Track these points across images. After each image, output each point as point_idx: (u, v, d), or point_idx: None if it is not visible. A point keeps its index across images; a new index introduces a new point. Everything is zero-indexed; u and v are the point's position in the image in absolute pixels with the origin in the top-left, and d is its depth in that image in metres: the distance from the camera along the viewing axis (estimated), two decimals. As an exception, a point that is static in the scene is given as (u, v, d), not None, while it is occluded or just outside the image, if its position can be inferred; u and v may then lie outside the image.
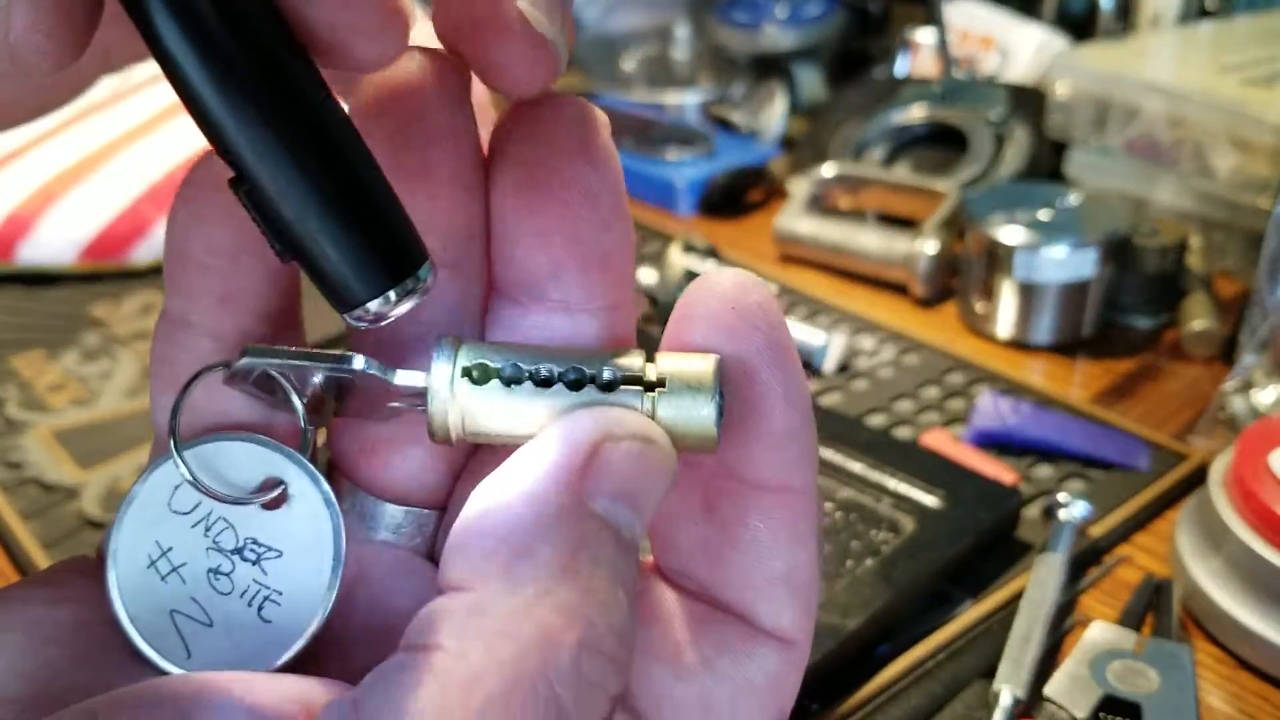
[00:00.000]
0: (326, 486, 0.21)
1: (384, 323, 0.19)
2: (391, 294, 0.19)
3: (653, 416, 0.20)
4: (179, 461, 0.21)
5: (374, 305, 0.19)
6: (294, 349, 0.20)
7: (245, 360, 0.20)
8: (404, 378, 0.20)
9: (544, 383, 0.20)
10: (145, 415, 0.61)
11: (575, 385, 0.20)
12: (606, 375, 0.20)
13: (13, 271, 0.75)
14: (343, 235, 0.18)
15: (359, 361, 0.20)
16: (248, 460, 0.21)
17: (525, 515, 0.17)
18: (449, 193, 0.20)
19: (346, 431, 0.22)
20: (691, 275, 0.68)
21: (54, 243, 0.75)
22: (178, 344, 0.21)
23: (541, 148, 0.20)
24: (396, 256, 0.19)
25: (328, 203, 0.18)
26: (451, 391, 0.20)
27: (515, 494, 0.18)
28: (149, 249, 0.77)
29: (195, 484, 0.21)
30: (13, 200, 0.76)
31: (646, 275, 0.71)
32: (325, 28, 0.17)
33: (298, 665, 0.21)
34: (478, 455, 0.23)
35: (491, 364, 0.20)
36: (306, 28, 0.17)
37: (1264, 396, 0.56)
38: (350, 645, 0.21)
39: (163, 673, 0.20)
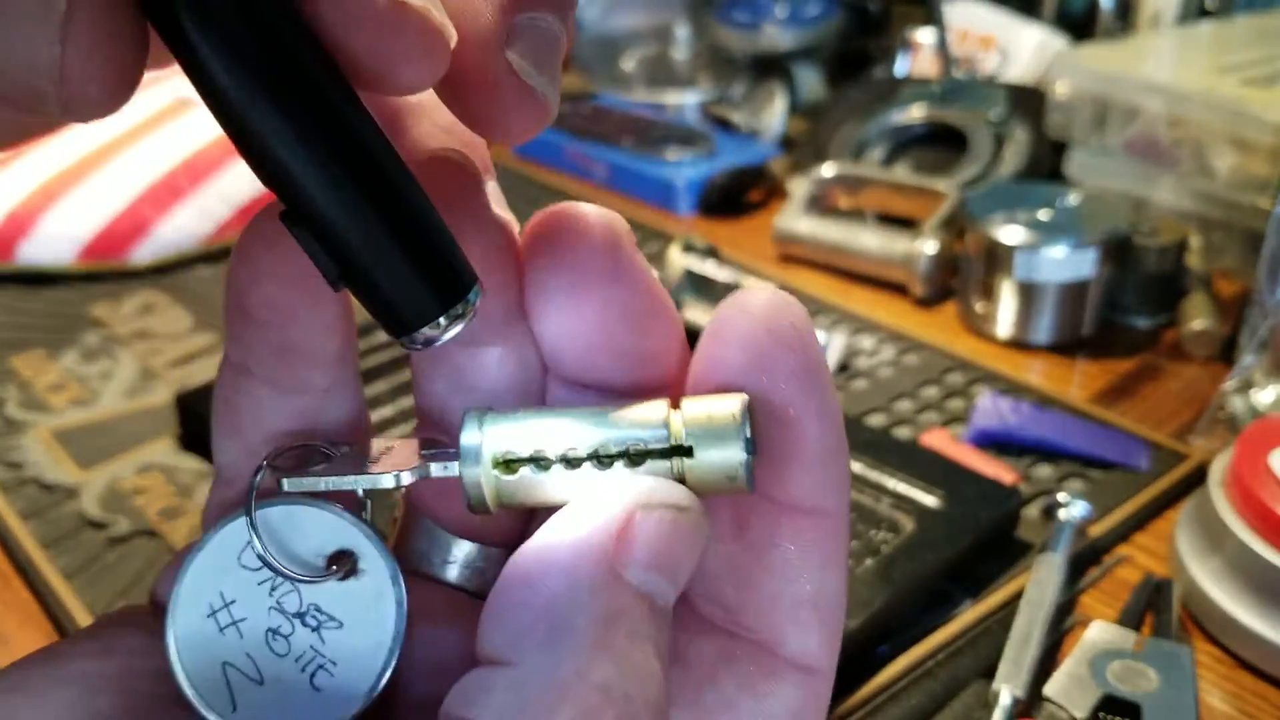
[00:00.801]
0: (395, 563, 0.21)
1: (436, 345, 0.19)
2: (442, 320, 0.19)
3: (683, 475, 0.20)
4: (253, 538, 0.21)
5: (426, 331, 0.19)
6: (333, 473, 0.21)
7: (288, 485, 0.21)
8: (437, 470, 0.20)
9: (574, 465, 0.20)
10: (145, 415, 0.61)
11: (605, 465, 0.20)
12: (633, 450, 0.20)
13: (13, 271, 0.75)
14: (396, 263, 0.18)
15: (389, 480, 0.20)
16: (317, 528, 0.21)
17: (561, 589, 0.18)
18: (485, 286, 0.21)
19: None
20: (691, 275, 0.68)
21: (54, 242, 0.75)
22: (238, 389, 0.22)
23: (573, 276, 0.21)
24: (447, 282, 0.19)
25: (380, 232, 0.18)
26: (480, 478, 0.20)
27: (551, 567, 0.18)
28: (149, 249, 0.77)
29: (267, 562, 0.21)
30: (13, 200, 0.76)
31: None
32: (367, 54, 0.17)
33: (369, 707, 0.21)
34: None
35: (519, 453, 0.20)
36: (348, 55, 0.17)
37: (1263, 396, 0.56)
38: (407, 681, 0.22)
39: None
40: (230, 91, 0.17)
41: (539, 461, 0.20)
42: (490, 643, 0.18)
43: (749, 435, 0.19)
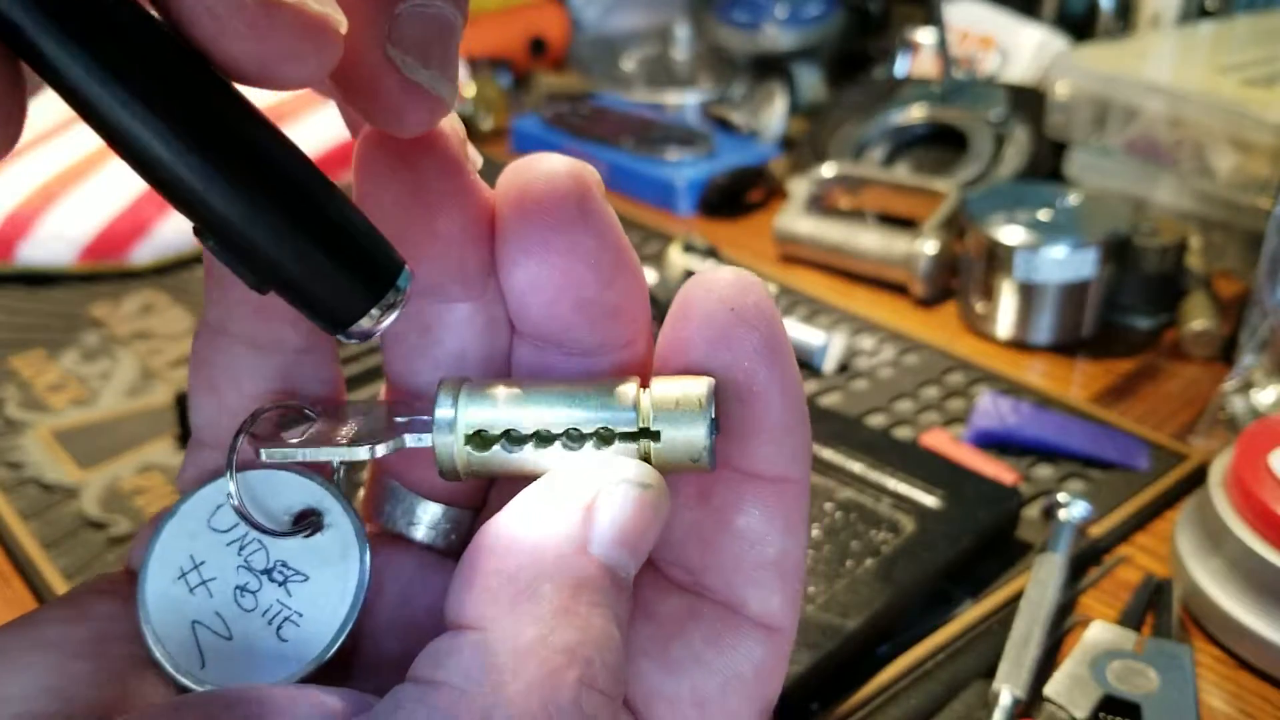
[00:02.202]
0: (360, 522, 0.22)
1: (375, 336, 0.19)
2: (375, 310, 0.19)
3: (649, 455, 0.20)
4: (234, 494, 0.22)
5: (360, 325, 0.19)
6: (311, 444, 0.21)
7: (266, 455, 0.21)
8: (412, 441, 0.21)
9: (544, 441, 0.20)
10: (145, 415, 0.61)
11: (574, 445, 0.20)
12: (603, 431, 0.20)
13: (12, 271, 0.75)
14: (313, 264, 0.18)
15: (363, 452, 0.21)
16: (290, 489, 0.22)
17: (529, 559, 0.18)
18: (459, 246, 0.21)
19: None
20: (692, 275, 0.68)
21: (54, 243, 0.75)
22: (216, 348, 0.22)
23: (541, 223, 0.21)
24: (371, 273, 0.19)
25: (290, 236, 0.18)
26: (453, 448, 0.21)
27: (520, 538, 0.19)
28: (148, 249, 0.77)
29: (244, 516, 0.22)
30: (12, 200, 0.76)
31: (646, 276, 0.71)
32: (244, 59, 0.17)
33: (335, 658, 0.22)
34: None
35: (492, 430, 0.21)
36: (223, 61, 0.17)
37: (1264, 396, 0.56)
38: (382, 636, 0.22)
39: (176, 681, 0.21)
40: (103, 111, 0.16)
41: (511, 437, 0.20)
42: (459, 608, 0.18)
43: (713, 418, 0.20)
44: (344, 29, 0.17)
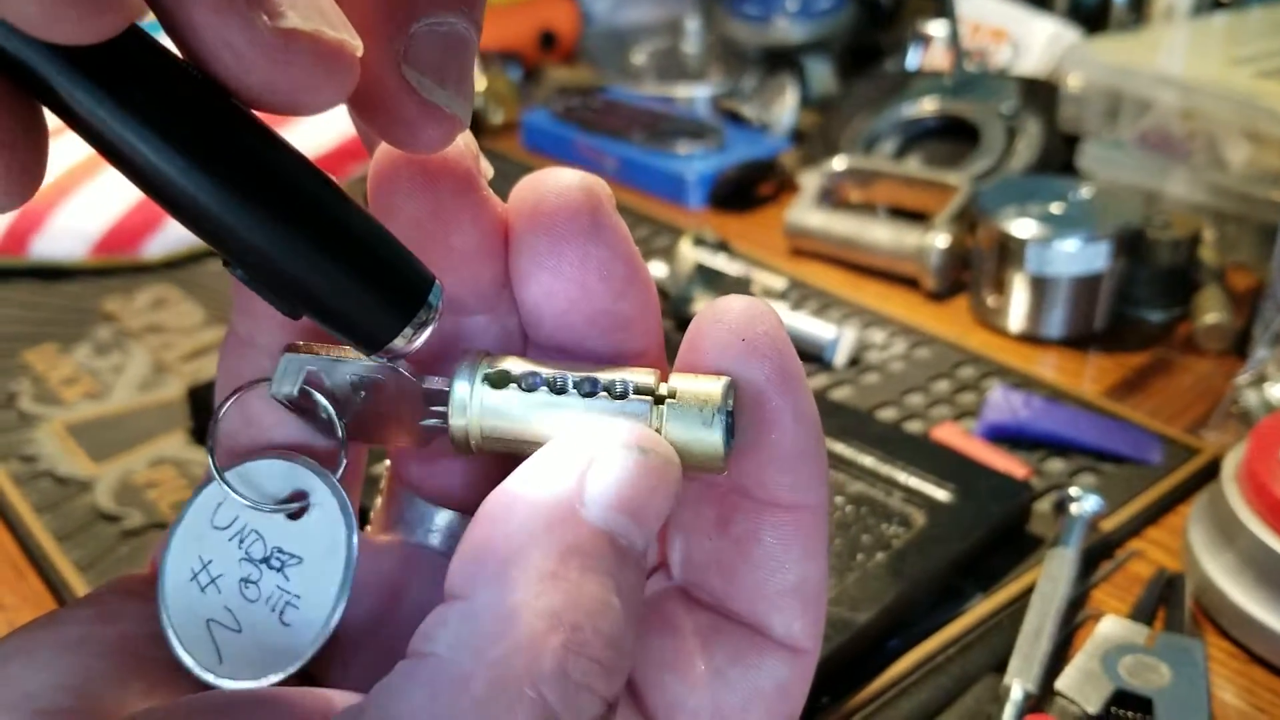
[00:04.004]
0: (344, 495, 0.22)
1: (409, 353, 0.20)
2: (408, 330, 0.19)
3: (659, 430, 0.20)
4: (214, 470, 0.22)
5: (395, 344, 0.19)
6: (330, 355, 0.21)
7: (284, 359, 0.21)
8: (431, 382, 0.21)
9: (559, 390, 0.20)
10: (157, 409, 0.62)
11: (589, 394, 0.20)
12: (619, 387, 0.20)
13: (25, 266, 0.76)
14: (345, 289, 0.18)
15: (385, 365, 0.21)
16: (280, 477, 0.22)
17: (517, 525, 0.18)
18: (474, 260, 0.21)
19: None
20: (702, 269, 0.68)
21: (66, 237, 0.76)
22: (243, 358, 0.23)
23: (554, 236, 0.21)
24: (402, 293, 0.19)
25: (319, 262, 0.18)
26: (471, 397, 0.21)
27: (511, 506, 0.18)
28: (160, 243, 0.77)
29: (226, 484, 0.22)
30: (25, 195, 0.76)
31: (657, 269, 0.71)
32: (265, 91, 0.17)
33: (349, 660, 0.22)
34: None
35: (511, 372, 0.21)
36: (245, 94, 0.17)
37: (1277, 390, 0.56)
38: (396, 641, 0.23)
39: (200, 679, 0.21)
40: (124, 150, 0.16)
41: (528, 387, 0.21)
42: (451, 580, 0.18)
43: (730, 409, 0.20)
44: (360, 52, 0.17)
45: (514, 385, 0.20)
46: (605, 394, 0.20)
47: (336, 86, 0.17)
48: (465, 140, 0.21)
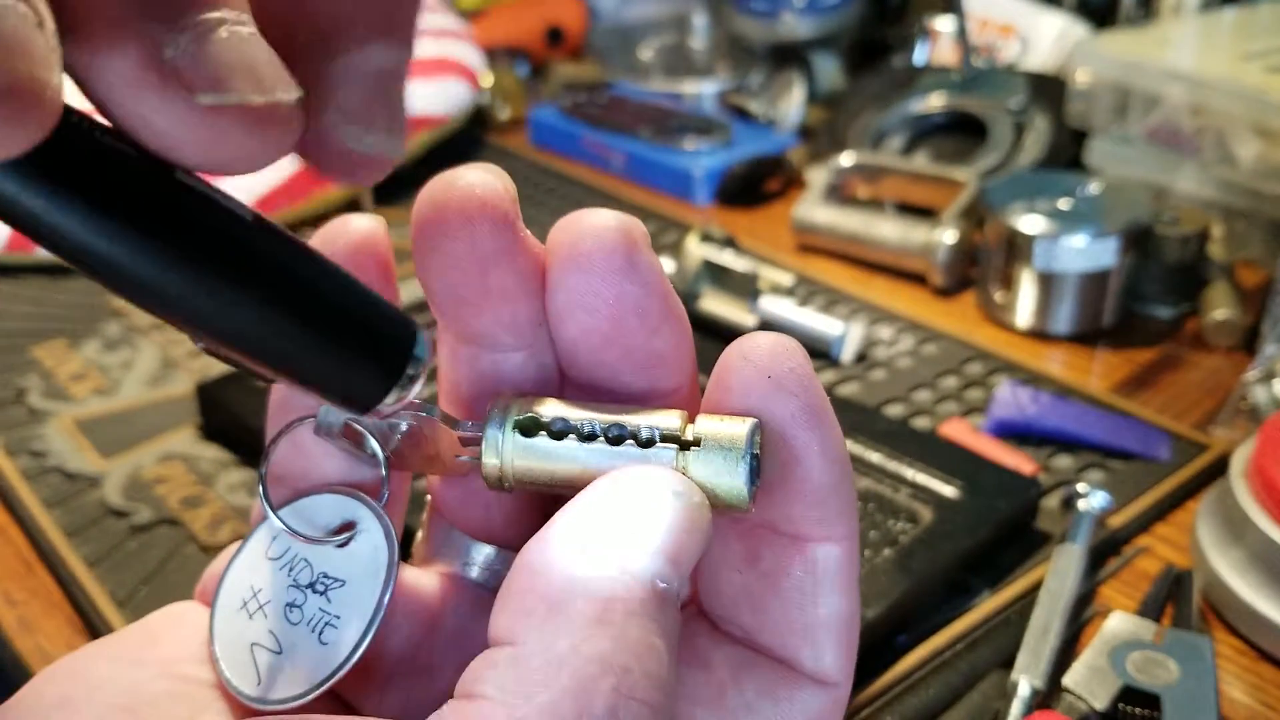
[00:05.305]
0: (389, 521, 0.23)
1: (399, 408, 0.20)
2: (395, 390, 0.19)
3: (685, 474, 0.21)
4: (267, 508, 0.22)
5: (384, 405, 0.19)
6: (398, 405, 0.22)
7: (324, 410, 0.22)
8: (464, 427, 0.22)
9: (587, 437, 0.21)
10: (166, 405, 0.62)
11: (616, 441, 0.21)
12: (645, 434, 0.21)
13: (34, 262, 0.76)
14: (321, 361, 0.18)
15: (430, 412, 0.22)
16: (329, 508, 0.23)
17: (561, 574, 0.18)
18: (512, 300, 0.22)
19: (447, 481, 0.25)
20: (709, 265, 0.68)
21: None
22: (290, 393, 0.23)
23: (591, 274, 0.21)
24: (384, 356, 0.19)
25: (293, 337, 0.17)
26: (501, 441, 0.21)
27: (553, 553, 0.19)
28: (169, 239, 0.77)
29: (280, 520, 0.22)
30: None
31: (664, 265, 0.71)
32: (204, 164, 0.16)
33: (385, 689, 0.23)
34: (561, 501, 0.24)
35: (541, 418, 0.21)
36: (187, 165, 0.16)
37: (1286, 386, 0.56)
38: (432, 670, 0.23)
39: (245, 703, 0.22)
40: (80, 243, 0.15)
41: (557, 434, 0.21)
42: (497, 626, 0.19)
43: (755, 451, 0.20)
44: (296, 100, 0.17)
45: (543, 432, 0.21)
46: (632, 440, 0.21)
47: (274, 147, 0.17)
48: (504, 183, 0.21)
